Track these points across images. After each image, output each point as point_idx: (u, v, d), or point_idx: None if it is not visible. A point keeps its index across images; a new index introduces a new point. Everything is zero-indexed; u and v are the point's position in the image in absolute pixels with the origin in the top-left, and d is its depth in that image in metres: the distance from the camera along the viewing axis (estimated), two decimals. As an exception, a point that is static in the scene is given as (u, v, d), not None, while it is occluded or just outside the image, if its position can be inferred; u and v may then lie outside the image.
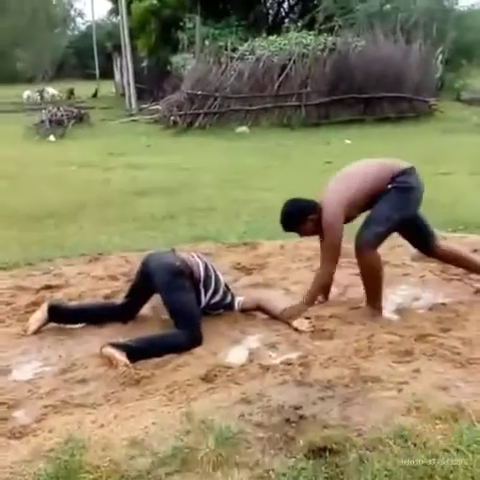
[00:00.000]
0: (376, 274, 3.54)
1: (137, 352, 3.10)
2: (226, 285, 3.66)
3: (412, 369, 2.80)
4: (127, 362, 3.01)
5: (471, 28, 20.19)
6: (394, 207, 3.47)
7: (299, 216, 3.57)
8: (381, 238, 3.54)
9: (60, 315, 3.53)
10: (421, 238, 3.79)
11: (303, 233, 3.68)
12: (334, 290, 3.95)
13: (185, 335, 3.22)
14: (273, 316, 3.59)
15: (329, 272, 3.60)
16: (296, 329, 3.40)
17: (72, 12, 47.17)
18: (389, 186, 3.48)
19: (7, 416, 2.63)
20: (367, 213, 3.60)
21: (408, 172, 3.54)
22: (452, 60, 19.48)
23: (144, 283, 3.50)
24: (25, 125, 15.54)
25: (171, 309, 3.35)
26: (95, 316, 3.59)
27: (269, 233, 5.28)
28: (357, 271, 4.13)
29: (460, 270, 4.16)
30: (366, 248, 3.49)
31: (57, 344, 3.34)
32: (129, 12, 21.84)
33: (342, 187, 3.54)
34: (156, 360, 3.05)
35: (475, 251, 4.56)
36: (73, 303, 3.84)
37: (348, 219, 3.55)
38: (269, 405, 2.53)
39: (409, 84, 15.87)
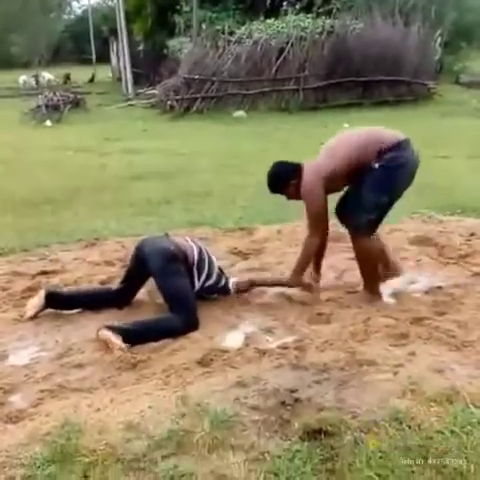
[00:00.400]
0: (373, 260, 3.54)
1: (133, 336, 3.11)
2: (220, 269, 3.67)
3: (408, 352, 2.81)
4: (123, 346, 3.02)
5: (471, 9, 19.99)
6: (383, 190, 3.38)
7: (283, 179, 3.58)
8: (375, 224, 3.51)
9: (57, 301, 3.53)
10: None
11: (289, 196, 3.65)
12: (331, 274, 3.96)
13: (180, 319, 3.22)
14: (270, 284, 3.69)
15: (314, 241, 3.56)
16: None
17: (67, -5, 46.69)
18: (376, 165, 3.37)
19: (3, 401, 2.64)
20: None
21: (402, 146, 3.40)
22: (451, 42, 19.29)
23: (139, 268, 3.50)
24: (21, 110, 15.45)
25: (166, 294, 3.35)
26: (91, 301, 3.59)
27: (266, 218, 5.28)
28: (353, 255, 4.15)
29: (456, 253, 4.17)
30: (361, 236, 3.48)
31: (53, 329, 3.35)
32: (125, -5, 21.66)
33: (326, 157, 3.50)
34: (153, 344, 3.06)
35: (472, 235, 4.56)
36: (69, 289, 3.85)
37: (333, 190, 3.53)
38: (265, 388, 2.54)
39: (408, 67, 15.76)
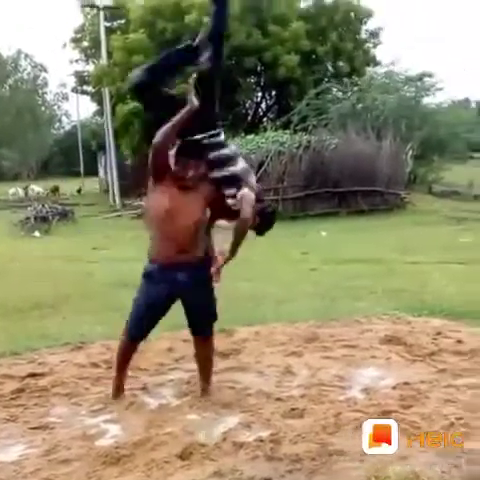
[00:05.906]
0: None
1: None
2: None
3: (374, 442, 3.01)
4: None
5: (440, 124, 21.21)
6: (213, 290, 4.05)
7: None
8: None
9: None
10: None
11: None
12: (305, 372, 4.18)
13: None
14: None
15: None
16: None
17: (58, 112, 48.66)
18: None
19: (-7, 496, 2.78)
20: None
21: None
22: (423, 155, 20.41)
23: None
24: (10, 221, 15.92)
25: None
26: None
27: (245, 320, 5.54)
28: (327, 354, 4.44)
29: (423, 352, 4.44)
30: (211, 338, 3.94)
31: (40, 428, 3.49)
32: (113, 113, 22.90)
33: None
34: (134, 439, 3.22)
35: (438, 334, 4.84)
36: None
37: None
38: (240, 478, 2.72)
39: (381, 178, 16.69)
